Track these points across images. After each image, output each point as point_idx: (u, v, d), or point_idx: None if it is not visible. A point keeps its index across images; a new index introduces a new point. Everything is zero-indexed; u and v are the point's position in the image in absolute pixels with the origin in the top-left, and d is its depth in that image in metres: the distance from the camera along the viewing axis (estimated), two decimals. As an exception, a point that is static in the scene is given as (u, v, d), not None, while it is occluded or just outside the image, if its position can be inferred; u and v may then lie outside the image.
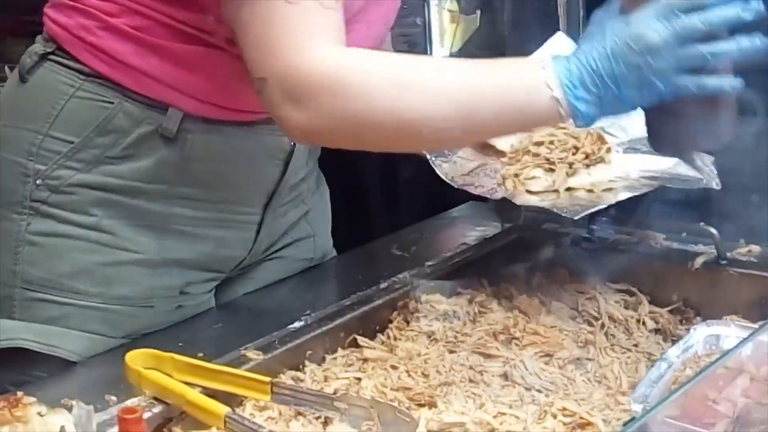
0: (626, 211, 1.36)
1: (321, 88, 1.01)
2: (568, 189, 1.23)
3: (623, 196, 1.21)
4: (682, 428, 0.86)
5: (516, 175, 1.25)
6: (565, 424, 1.03)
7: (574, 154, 1.25)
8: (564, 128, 1.27)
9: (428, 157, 1.27)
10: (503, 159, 1.31)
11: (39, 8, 1.24)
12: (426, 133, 1.02)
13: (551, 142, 1.26)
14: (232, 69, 1.12)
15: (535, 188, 1.24)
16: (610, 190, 1.23)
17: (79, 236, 1.19)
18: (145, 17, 1.15)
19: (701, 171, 1.20)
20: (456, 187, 1.25)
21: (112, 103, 1.17)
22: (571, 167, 1.24)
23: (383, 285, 1.29)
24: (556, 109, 0.98)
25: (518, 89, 1.01)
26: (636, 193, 1.21)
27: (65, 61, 1.19)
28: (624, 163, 1.27)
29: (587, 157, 1.25)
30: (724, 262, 1.28)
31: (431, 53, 2.07)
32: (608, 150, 1.27)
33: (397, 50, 1.39)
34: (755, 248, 1.30)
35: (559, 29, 1.44)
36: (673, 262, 1.32)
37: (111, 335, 1.20)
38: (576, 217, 1.17)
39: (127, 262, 1.21)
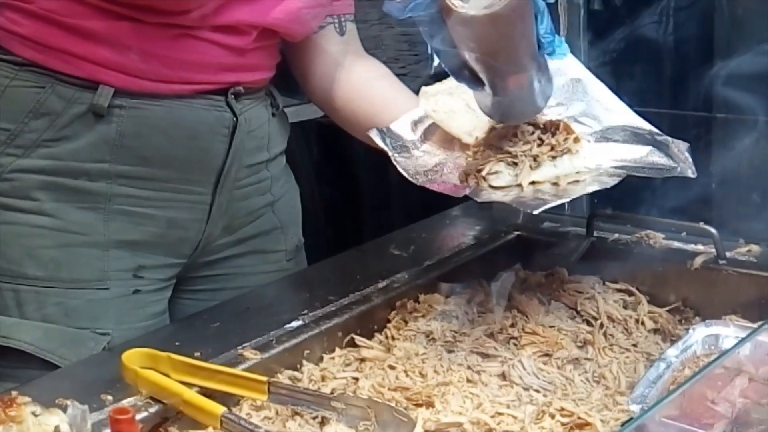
0: (625, 210, 1.36)
1: None
2: (533, 183, 1.15)
3: (591, 188, 1.14)
4: (680, 429, 0.86)
5: (478, 171, 1.18)
6: (563, 424, 1.03)
7: (539, 145, 1.17)
8: (528, 120, 1.19)
9: (388, 152, 1.21)
10: (468, 152, 1.24)
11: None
12: None
13: (515, 135, 1.18)
14: (155, 40, 1.15)
15: (497, 183, 1.16)
16: (577, 182, 1.16)
17: (23, 222, 1.21)
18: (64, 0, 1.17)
19: (676, 158, 1.16)
20: (417, 184, 1.19)
21: (44, 87, 1.19)
22: (535, 160, 1.16)
23: (381, 284, 1.29)
24: None
25: None
26: (606, 186, 1.14)
27: (2, 56, 1.22)
28: (594, 153, 1.20)
29: (553, 148, 1.17)
30: (724, 261, 1.27)
31: (431, 54, 2.07)
32: (576, 140, 1.19)
33: (397, 50, 1.38)
34: (755, 248, 1.30)
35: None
36: (673, 261, 1.31)
37: (69, 323, 1.20)
38: (536, 212, 1.11)
39: (76, 245, 1.22)
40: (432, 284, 1.32)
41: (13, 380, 1.12)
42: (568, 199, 1.13)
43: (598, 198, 1.45)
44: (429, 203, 1.64)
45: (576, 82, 1.28)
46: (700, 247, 1.31)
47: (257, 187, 1.36)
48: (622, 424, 0.97)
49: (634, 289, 1.30)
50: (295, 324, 1.19)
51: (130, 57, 1.19)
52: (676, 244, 1.34)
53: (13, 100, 1.20)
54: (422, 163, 1.23)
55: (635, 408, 0.95)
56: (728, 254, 1.29)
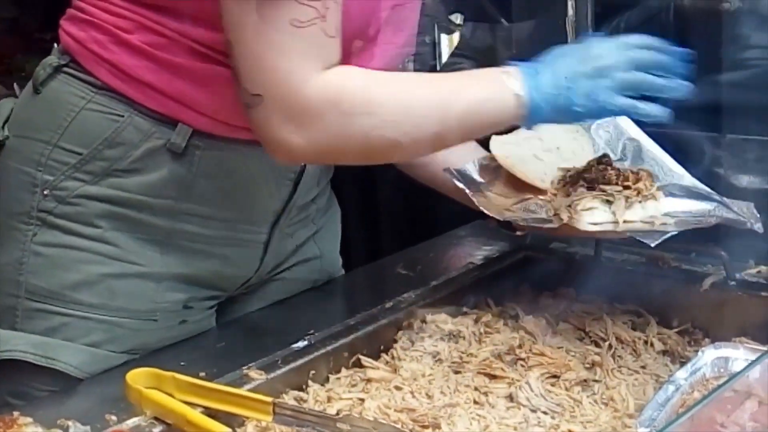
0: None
1: (328, 108, 1.06)
2: (625, 222, 1.21)
3: (681, 228, 1.21)
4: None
5: (569, 206, 1.22)
6: (571, 447, 1.02)
7: (626, 188, 1.24)
8: (612, 167, 1.27)
9: (466, 191, 1.27)
10: (542, 197, 1.30)
11: (49, 27, 1.25)
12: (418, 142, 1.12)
13: (603, 177, 1.25)
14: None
15: (593, 219, 1.21)
16: (665, 224, 1.22)
17: (83, 247, 1.19)
18: (158, 34, 1.16)
19: (742, 214, 1.23)
20: (501, 219, 1.27)
21: (122, 116, 1.18)
22: (627, 201, 1.22)
23: (388, 304, 1.28)
24: (516, 105, 1.11)
25: (483, 87, 1.14)
26: (691, 227, 1.22)
27: (78, 74, 1.20)
28: (669, 203, 1.26)
29: (639, 193, 1.24)
30: (733, 283, 1.27)
31: (440, 71, 2.07)
32: (658, 189, 1.26)
33: (406, 68, 1.38)
34: (765, 269, 1.29)
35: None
36: (682, 283, 1.30)
37: (112, 350, 1.19)
38: (653, 244, 1.17)
39: (131, 275, 1.20)
40: (439, 304, 1.31)
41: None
42: (675, 232, 1.20)
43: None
44: (437, 223, 1.64)
45: (631, 141, 1.36)
46: (709, 269, 1.30)
47: (304, 221, 1.36)
48: (630, 448, 0.96)
49: (642, 311, 1.30)
50: (300, 344, 1.18)
51: (214, 100, 1.17)
52: (685, 265, 1.33)
53: (87, 123, 1.18)
54: (499, 203, 1.30)
55: (644, 431, 0.93)
56: (738, 276, 1.28)
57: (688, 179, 1.31)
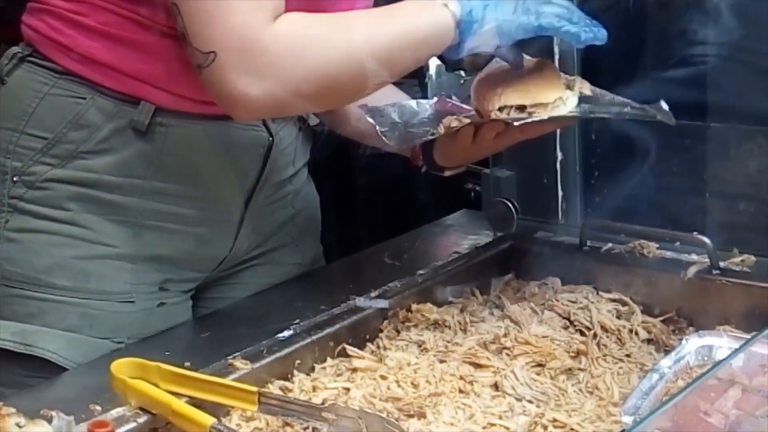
0: (619, 220, 1.35)
1: (283, 55, 1.07)
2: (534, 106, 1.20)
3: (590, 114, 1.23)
4: (673, 440, 0.85)
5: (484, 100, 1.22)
6: (555, 436, 1.02)
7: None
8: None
9: (376, 127, 1.24)
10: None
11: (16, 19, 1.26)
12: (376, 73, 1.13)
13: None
14: None
15: (504, 102, 1.20)
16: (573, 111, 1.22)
17: (55, 231, 1.20)
18: (112, 13, 1.17)
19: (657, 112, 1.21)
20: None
21: (84, 98, 1.19)
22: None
23: (374, 294, 1.28)
24: (450, 19, 1.13)
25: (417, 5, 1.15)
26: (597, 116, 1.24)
27: (40, 62, 1.22)
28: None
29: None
30: (717, 271, 1.27)
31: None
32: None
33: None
34: (749, 258, 1.29)
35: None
36: (666, 271, 1.31)
37: (91, 334, 1.19)
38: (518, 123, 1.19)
39: (105, 257, 1.21)
40: (425, 293, 1.31)
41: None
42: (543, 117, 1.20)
43: (591, 207, 1.45)
44: (423, 212, 1.64)
45: None
46: (693, 257, 1.31)
47: (281, 203, 1.36)
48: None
49: (627, 299, 1.30)
50: (286, 333, 1.18)
51: (173, 76, 1.18)
52: (669, 254, 1.34)
53: (51, 108, 1.20)
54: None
55: (628, 419, 0.94)
56: (722, 264, 1.28)
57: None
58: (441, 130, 1.22)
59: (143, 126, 1.19)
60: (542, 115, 1.19)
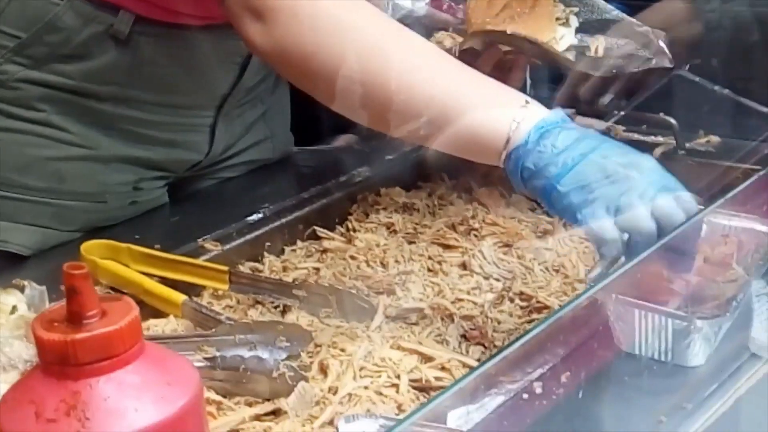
0: (586, 103, 1.36)
1: (289, 17, 0.96)
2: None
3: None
4: (636, 305, 0.87)
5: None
6: (522, 307, 1.04)
7: None
8: None
9: None
10: None
11: None
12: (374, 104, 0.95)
13: None
14: None
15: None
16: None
17: (27, 131, 1.18)
18: None
19: (652, 50, 1.20)
20: None
21: (62, 0, 1.15)
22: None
23: (343, 178, 1.29)
24: (501, 146, 0.91)
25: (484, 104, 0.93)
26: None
27: None
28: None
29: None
30: (683, 152, 1.28)
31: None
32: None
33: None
34: (714, 138, 1.31)
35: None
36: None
37: (63, 228, 1.19)
38: None
39: (79, 158, 1.20)
40: (393, 178, 1.32)
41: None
42: None
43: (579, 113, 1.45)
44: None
45: None
46: (660, 139, 1.32)
47: (252, 102, 1.34)
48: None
49: (594, 181, 1.31)
50: (256, 217, 1.19)
51: None
52: (636, 135, 1.35)
53: (26, 7, 1.15)
54: None
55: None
56: (687, 145, 1.30)
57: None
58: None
59: (123, 35, 1.15)
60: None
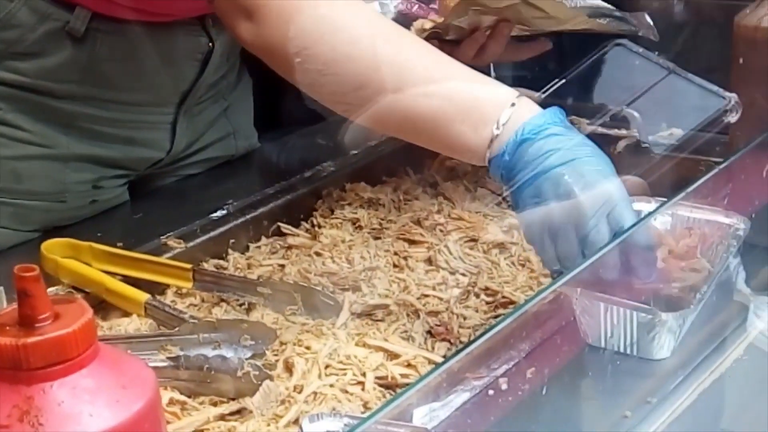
0: (549, 97, 1.36)
1: (276, 14, 0.96)
2: None
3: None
4: (601, 298, 0.87)
5: None
6: (487, 303, 1.04)
7: None
8: None
9: None
10: None
11: None
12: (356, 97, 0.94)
13: None
14: None
15: None
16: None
17: None
18: None
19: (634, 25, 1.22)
20: None
21: None
22: None
23: (307, 174, 1.28)
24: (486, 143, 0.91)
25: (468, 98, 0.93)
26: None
27: None
28: None
29: None
30: (646, 145, 1.29)
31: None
32: None
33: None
34: (676, 131, 1.31)
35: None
36: (597, 146, 1.32)
37: (22, 228, 1.17)
38: None
39: (36, 157, 1.18)
40: (358, 173, 1.31)
41: None
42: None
43: (521, 84, 1.45)
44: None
45: None
46: (623, 132, 1.32)
47: (214, 98, 1.33)
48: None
49: (558, 175, 1.31)
50: (219, 213, 1.17)
51: None
52: (600, 129, 1.35)
53: None
54: None
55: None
56: (650, 138, 1.30)
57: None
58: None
59: (79, 33, 1.14)
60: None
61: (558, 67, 1.32)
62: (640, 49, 1.25)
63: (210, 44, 1.25)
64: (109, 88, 1.19)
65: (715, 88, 1.21)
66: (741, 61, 1.20)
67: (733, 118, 1.24)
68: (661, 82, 1.22)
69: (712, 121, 1.23)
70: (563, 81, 1.25)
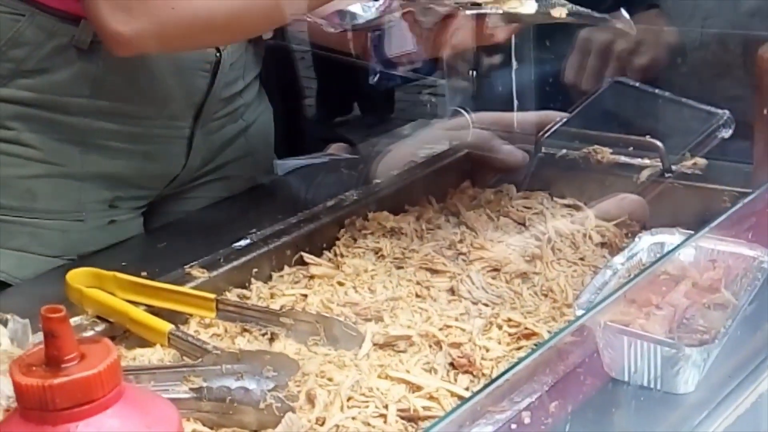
0: (573, 126, 1.36)
1: None
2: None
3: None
4: (624, 332, 0.87)
5: None
6: (510, 334, 1.04)
7: None
8: None
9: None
10: None
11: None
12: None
13: None
14: None
15: None
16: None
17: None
18: None
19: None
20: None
21: (24, 15, 1.16)
22: None
23: (330, 203, 1.28)
24: None
25: None
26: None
27: None
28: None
29: None
30: (670, 175, 1.28)
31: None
32: None
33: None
34: (700, 161, 1.31)
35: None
36: (619, 176, 1.32)
37: (42, 253, 1.19)
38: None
39: (52, 176, 1.20)
40: (381, 202, 1.31)
41: None
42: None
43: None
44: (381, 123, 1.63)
45: None
46: (646, 161, 1.32)
47: (231, 116, 1.34)
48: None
49: (581, 204, 1.31)
50: (243, 243, 1.18)
51: None
52: (623, 158, 1.35)
53: None
54: None
55: (581, 313, 0.95)
56: (674, 167, 1.29)
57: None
58: (397, 15, 1.19)
59: (85, 44, 1.16)
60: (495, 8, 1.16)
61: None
62: (637, 84, 1.30)
63: (217, 54, 1.26)
64: (120, 101, 1.21)
65: (706, 107, 1.23)
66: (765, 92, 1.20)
67: (726, 133, 1.25)
68: (658, 108, 1.23)
69: (707, 136, 1.27)
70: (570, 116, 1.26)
